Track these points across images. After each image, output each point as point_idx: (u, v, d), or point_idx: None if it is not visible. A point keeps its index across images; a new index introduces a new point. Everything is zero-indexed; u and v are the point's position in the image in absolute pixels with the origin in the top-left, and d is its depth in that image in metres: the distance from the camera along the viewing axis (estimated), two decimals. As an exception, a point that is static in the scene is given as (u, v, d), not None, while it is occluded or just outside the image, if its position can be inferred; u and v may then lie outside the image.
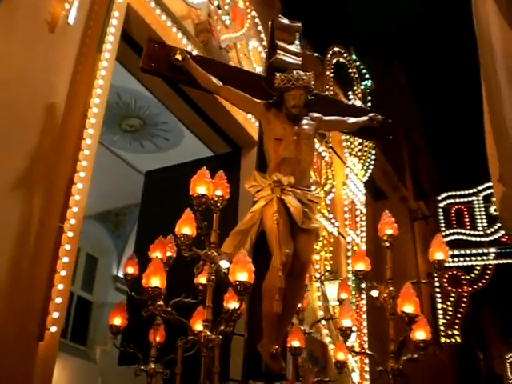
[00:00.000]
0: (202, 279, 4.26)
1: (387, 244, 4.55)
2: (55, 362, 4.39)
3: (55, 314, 4.28)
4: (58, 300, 4.32)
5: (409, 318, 4.07)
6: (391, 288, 4.36)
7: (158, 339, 4.30)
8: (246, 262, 3.57)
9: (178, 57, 4.71)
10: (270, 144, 4.63)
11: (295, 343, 4.50)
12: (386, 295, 4.37)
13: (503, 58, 3.45)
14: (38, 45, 4.70)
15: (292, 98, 4.59)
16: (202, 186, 3.99)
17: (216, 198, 4.06)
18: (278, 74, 4.70)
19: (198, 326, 4.23)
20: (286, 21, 5.29)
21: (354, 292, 9.03)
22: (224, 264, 4.02)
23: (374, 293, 4.52)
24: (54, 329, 4.26)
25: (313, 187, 4.80)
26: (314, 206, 4.59)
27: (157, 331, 4.28)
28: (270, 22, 5.44)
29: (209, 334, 3.73)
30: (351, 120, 5.17)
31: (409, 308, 4.09)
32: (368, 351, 4.74)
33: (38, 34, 4.72)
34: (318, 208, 4.65)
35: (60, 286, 4.33)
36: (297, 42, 5.28)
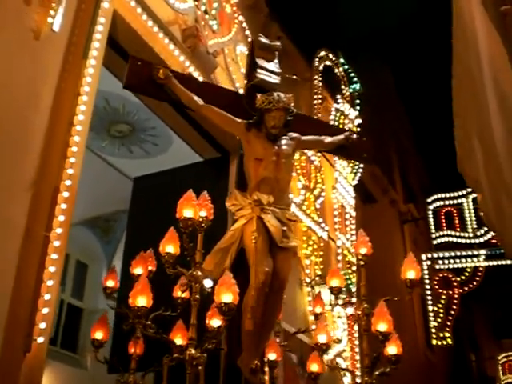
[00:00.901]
0: (179, 293, 4.45)
1: (361, 263, 4.82)
2: (43, 374, 4.34)
3: (42, 325, 4.22)
4: (45, 310, 4.26)
5: (383, 336, 4.32)
6: (365, 305, 4.63)
7: (137, 351, 4.35)
8: (231, 284, 3.74)
9: (161, 75, 4.82)
10: (250, 163, 4.78)
11: (272, 356, 4.79)
12: (359, 312, 4.67)
13: (488, 63, 3.46)
14: (22, 52, 4.64)
15: (272, 119, 4.74)
16: (189, 209, 4.15)
17: (200, 219, 4.24)
18: (258, 95, 4.85)
19: (178, 340, 4.38)
20: (265, 40, 5.40)
21: (344, 296, 9.03)
22: (207, 283, 4.22)
23: (349, 310, 4.77)
24: (41, 339, 4.20)
25: (292, 206, 5.19)
26: (292, 224, 4.77)
27: (136, 344, 4.35)
28: (249, 41, 5.55)
29: (193, 351, 3.86)
30: (328, 139, 5.33)
31: (383, 326, 4.33)
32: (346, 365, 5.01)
33: (22, 41, 4.66)
34: (295, 226, 4.93)
35: (47, 296, 4.28)
36: (276, 61, 5.39)
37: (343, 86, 11.04)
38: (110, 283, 4.68)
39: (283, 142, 4.86)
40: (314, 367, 4.95)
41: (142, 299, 4.04)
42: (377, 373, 4.35)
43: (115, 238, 11.84)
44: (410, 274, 4.48)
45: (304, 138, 5.09)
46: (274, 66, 5.32)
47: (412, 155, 19.23)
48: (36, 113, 4.63)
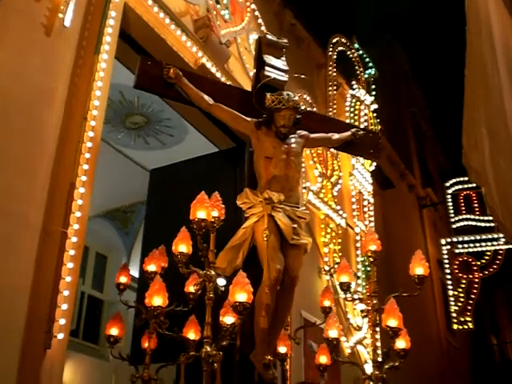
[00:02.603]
0: (191, 288, 4.54)
1: (371, 259, 4.83)
2: (63, 370, 4.36)
3: (62, 321, 4.24)
4: (65, 306, 4.28)
5: (393, 332, 4.36)
6: (375, 301, 4.66)
7: (151, 346, 4.42)
8: (245, 283, 3.80)
9: (171, 74, 4.84)
10: (260, 162, 4.82)
11: (282, 349, 4.85)
12: (369, 308, 4.71)
13: (502, 48, 3.38)
14: (34, 49, 4.65)
15: (282, 118, 4.80)
16: (202, 210, 4.21)
17: (212, 219, 4.28)
18: (268, 95, 4.88)
19: (191, 335, 4.46)
20: (272, 37, 5.46)
21: (364, 283, 9.01)
22: (221, 282, 4.29)
23: (360, 306, 4.77)
24: (61, 336, 4.22)
25: (301, 205, 5.03)
26: (302, 222, 4.78)
27: (151, 339, 4.42)
28: (256, 38, 5.66)
29: (209, 349, 3.90)
30: (335, 136, 5.37)
31: (393, 322, 4.37)
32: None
33: (34, 37, 4.67)
34: (305, 223, 4.87)
35: (66, 293, 4.29)
36: (283, 58, 5.41)
37: (358, 72, 10.96)
38: (123, 279, 4.77)
39: (292, 140, 4.91)
40: (322, 359, 4.93)
41: (158, 299, 4.11)
42: (387, 366, 4.40)
43: (134, 229, 11.90)
44: (419, 270, 4.54)
45: (313, 135, 5.15)
46: (281, 63, 5.34)
47: (430, 139, 19.08)
48: (50, 109, 4.63)
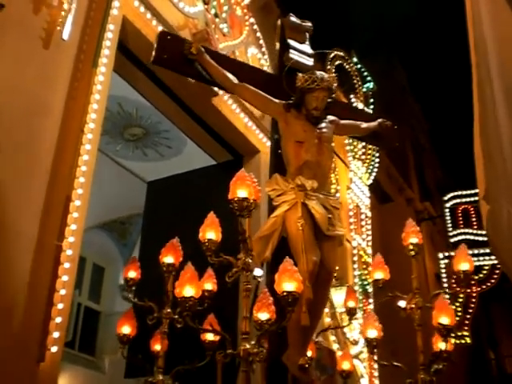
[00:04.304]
0: (206, 285, 4.06)
1: (412, 253, 4.48)
2: (57, 383, 4.35)
3: (56, 334, 4.24)
4: (59, 319, 4.28)
5: (446, 330, 4.01)
6: (418, 298, 4.32)
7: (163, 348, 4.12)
8: (294, 271, 3.33)
9: (193, 50, 4.57)
10: (289, 146, 4.51)
11: (308, 353, 4.36)
12: (413, 305, 4.33)
13: (498, 66, 3.33)
14: (32, 61, 4.66)
15: (315, 100, 4.50)
16: (244, 189, 3.62)
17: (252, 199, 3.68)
18: (300, 75, 4.58)
19: (209, 336, 4.17)
20: (296, 19, 5.21)
21: (361, 297, 8.98)
22: (258, 272, 3.88)
23: (402, 303, 4.45)
24: (54, 349, 4.22)
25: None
26: (336, 212, 4.46)
27: (164, 340, 4.11)
28: (279, 21, 5.34)
29: (248, 346, 3.39)
30: (364, 125, 5.09)
31: (445, 320, 4.02)
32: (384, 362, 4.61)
33: (32, 50, 4.68)
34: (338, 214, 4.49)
35: (60, 305, 4.29)
36: (307, 43, 5.20)
37: (357, 86, 10.97)
38: (132, 274, 4.33)
39: (323, 124, 4.61)
40: (345, 365, 4.76)
41: (190, 289, 3.59)
42: (432, 370, 4.11)
43: (131, 240, 11.90)
44: (464, 265, 4.25)
45: (342, 122, 4.86)
46: (306, 47, 5.12)
47: (428, 153, 19.10)
48: (47, 122, 4.64)
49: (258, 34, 7.99)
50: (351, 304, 4.62)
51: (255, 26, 7.94)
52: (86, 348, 10.94)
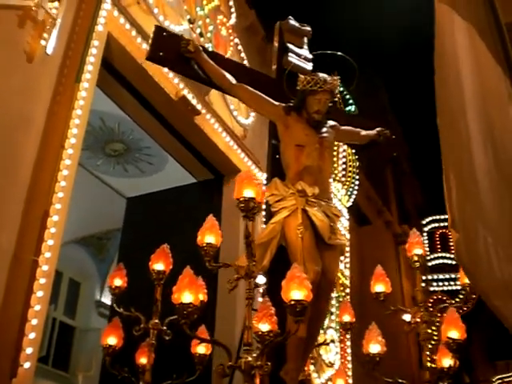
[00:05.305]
0: (200, 295, 3.69)
1: (417, 265, 4.36)
2: (29, 400, 4.29)
3: (29, 350, 4.17)
4: (32, 335, 4.21)
5: (456, 345, 3.91)
6: (422, 312, 4.27)
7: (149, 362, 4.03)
8: (303, 278, 3.11)
9: (191, 48, 4.46)
10: (289, 151, 4.40)
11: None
12: (418, 320, 4.26)
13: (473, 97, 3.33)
14: (15, 75, 4.64)
15: (317, 103, 4.38)
16: (251, 188, 3.39)
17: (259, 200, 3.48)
18: (302, 76, 4.48)
19: (200, 349, 4.07)
20: (294, 23, 5.17)
21: (338, 327, 8.94)
22: (260, 280, 3.74)
23: (407, 317, 4.35)
24: (27, 365, 4.15)
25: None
26: (337, 220, 4.38)
27: (151, 352, 4.01)
28: (277, 24, 5.27)
29: (250, 359, 3.16)
30: (363, 132, 5.01)
31: (455, 334, 3.93)
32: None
33: (15, 63, 4.66)
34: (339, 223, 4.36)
35: (34, 321, 4.23)
36: (306, 47, 5.18)
37: (338, 107, 11.02)
38: (118, 282, 4.20)
39: (324, 129, 4.50)
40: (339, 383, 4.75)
41: (188, 295, 3.29)
42: None
43: (109, 256, 11.83)
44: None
45: (343, 128, 4.76)
46: (304, 51, 5.08)
47: (408, 176, 19.21)
48: (27, 136, 4.61)
49: (243, 55, 8.02)
50: (346, 318, 4.42)
51: (240, 47, 7.98)
52: (59, 364, 10.83)
